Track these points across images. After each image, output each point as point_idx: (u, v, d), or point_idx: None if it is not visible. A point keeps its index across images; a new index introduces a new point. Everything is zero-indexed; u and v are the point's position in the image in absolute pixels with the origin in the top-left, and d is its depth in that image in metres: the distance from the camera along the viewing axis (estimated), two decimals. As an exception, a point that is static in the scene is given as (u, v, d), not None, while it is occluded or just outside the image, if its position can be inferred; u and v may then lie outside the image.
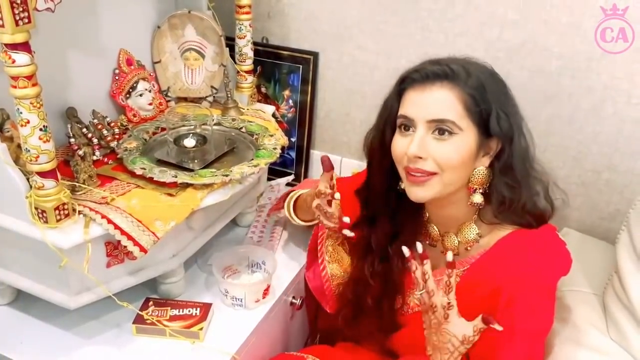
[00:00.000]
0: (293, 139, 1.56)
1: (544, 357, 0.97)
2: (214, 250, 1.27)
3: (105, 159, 1.13)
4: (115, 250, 1.00)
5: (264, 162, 1.13)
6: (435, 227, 1.04)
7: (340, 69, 1.46)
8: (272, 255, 1.20)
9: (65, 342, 1.04)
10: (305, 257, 1.26)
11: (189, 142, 1.15)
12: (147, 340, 1.04)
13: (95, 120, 1.17)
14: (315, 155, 1.58)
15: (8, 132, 0.99)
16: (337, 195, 1.04)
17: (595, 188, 1.27)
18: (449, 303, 0.87)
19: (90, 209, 0.95)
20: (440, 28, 1.30)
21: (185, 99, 1.39)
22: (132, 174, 1.07)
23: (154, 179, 1.04)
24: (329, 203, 1.07)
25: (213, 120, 1.25)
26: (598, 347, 0.98)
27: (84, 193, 1.00)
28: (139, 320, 1.05)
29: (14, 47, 0.79)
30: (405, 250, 0.91)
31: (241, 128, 1.26)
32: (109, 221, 0.94)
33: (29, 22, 0.79)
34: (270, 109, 1.41)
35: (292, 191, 1.27)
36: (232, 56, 1.37)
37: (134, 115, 1.26)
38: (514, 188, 0.95)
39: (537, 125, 1.00)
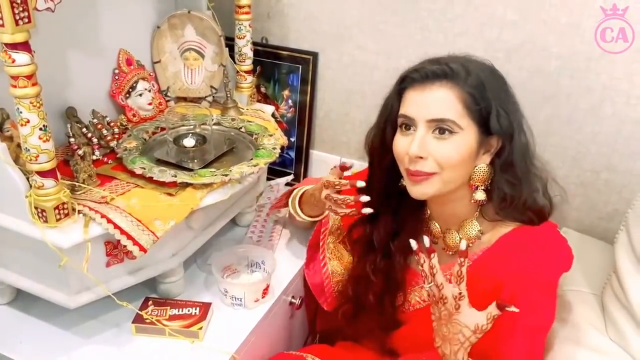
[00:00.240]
0: (292, 139, 1.56)
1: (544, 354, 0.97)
2: (213, 249, 1.27)
3: (105, 159, 1.13)
4: (114, 250, 1.00)
5: (264, 162, 1.13)
6: (436, 224, 1.05)
7: (340, 69, 1.46)
8: (271, 255, 1.21)
9: (64, 341, 1.04)
10: (304, 256, 1.27)
11: (189, 142, 1.15)
12: (146, 340, 1.04)
13: (95, 120, 1.17)
14: (315, 155, 1.58)
15: (8, 131, 0.99)
16: (360, 183, 1.00)
17: (594, 188, 1.27)
18: (460, 293, 0.86)
19: (90, 209, 0.95)
20: (439, 28, 1.30)
21: (184, 99, 1.39)
22: (132, 174, 1.07)
23: (154, 178, 1.04)
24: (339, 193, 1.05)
25: (212, 120, 1.26)
26: (597, 346, 0.98)
27: (84, 192, 1.00)
28: (138, 319, 1.05)
29: (14, 46, 0.79)
30: (413, 243, 0.89)
31: (241, 128, 1.26)
32: (109, 220, 0.94)
33: (29, 21, 0.79)
34: (269, 109, 1.41)
35: (295, 188, 1.27)
36: (232, 56, 1.37)
37: (134, 115, 1.26)
38: (514, 185, 0.95)
39: (536, 125, 1.00)
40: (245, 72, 1.38)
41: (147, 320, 1.04)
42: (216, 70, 1.36)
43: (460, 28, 1.28)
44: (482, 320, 0.85)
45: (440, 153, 0.92)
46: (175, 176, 1.04)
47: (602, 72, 1.18)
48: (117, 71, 1.23)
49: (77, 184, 1.00)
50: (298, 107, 1.53)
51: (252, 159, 1.13)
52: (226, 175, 1.06)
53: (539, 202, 0.99)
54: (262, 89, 1.56)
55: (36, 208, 0.91)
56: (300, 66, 1.49)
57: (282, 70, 1.52)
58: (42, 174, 0.89)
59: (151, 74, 1.32)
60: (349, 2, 1.38)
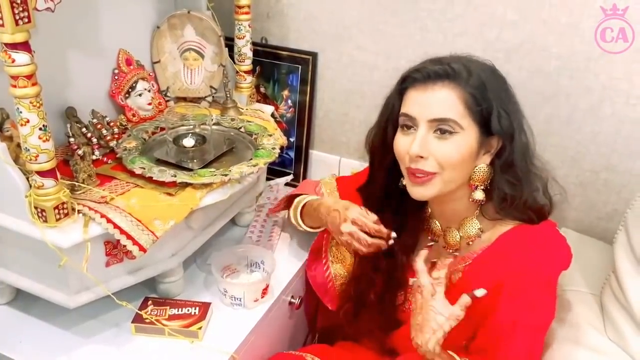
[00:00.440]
0: (292, 139, 1.56)
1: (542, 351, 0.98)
2: (213, 249, 1.27)
3: (105, 159, 1.14)
4: (114, 250, 1.00)
5: (263, 162, 1.13)
6: (437, 222, 1.05)
7: (340, 69, 1.46)
8: (270, 255, 1.21)
9: (64, 341, 1.04)
10: (304, 256, 1.27)
11: (188, 142, 1.15)
12: (146, 340, 1.05)
13: (95, 120, 1.17)
14: (314, 155, 1.58)
15: (8, 131, 0.99)
16: (394, 234, 1.02)
17: (594, 188, 1.27)
18: (436, 278, 0.89)
19: (90, 208, 0.95)
20: (439, 28, 1.30)
21: (184, 99, 1.39)
22: (132, 174, 1.07)
23: (153, 178, 1.04)
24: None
25: (212, 120, 1.26)
26: (596, 346, 0.98)
27: (84, 192, 1.00)
28: (138, 319, 1.05)
29: (14, 46, 0.79)
30: (394, 234, 0.94)
31: (240, 128, 1.26)
32: (108, 220, 0.94)
33: (29, 21, 0.79)
34: (269, 109, 1.41)
35: (294, 195, 1.26)
36: (232, 56, 1.37)
37: (133, 115, 1.26)
38: (515, 185, 0.96)
39: (535, 125, 1.00)
40: (245, 72, 1.38)
41: (147, 320, 1.04)
42: (216, 70, 1.36)
43: (460, 28, 1.28)
44: (456, 309, 0.88)
45: (441, 153, 0.92)
46: (175, 176, 1.04)
47: (602, 72, 1.18)
48: (116, 71, 1.24)
49: (76, 183, 1.00)
50: (297, 107, 1.53)
51: (251, 159, 1.13)
52: (226, 175, 1.06)
53: (539, 201, 0.99)
54: (262, 89, 1.56)
55: (36, 208, 0.91)
56: (300, 66, 1.49)
57: (282, 70, 1.52)
58: (42, 173, 0.89)
59: (151, 74, 1.32)
60: (349, 3, 1.38)
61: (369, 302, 1.08)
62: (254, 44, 1.38)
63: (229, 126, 1.27)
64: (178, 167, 1.10)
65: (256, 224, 1.38)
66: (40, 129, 0.85)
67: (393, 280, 1.07)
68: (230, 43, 1.36)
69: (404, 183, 1.01)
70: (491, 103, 0.93)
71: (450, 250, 1.03)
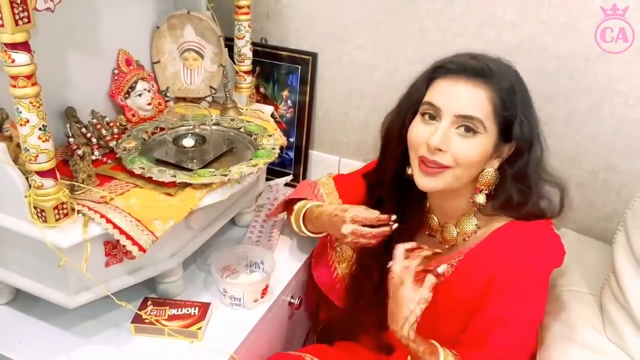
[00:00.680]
0: (292, 139, 1.56)
1: (535, 346, 0.98)
2: (212, 249, 1.27)
3: (104, 159, 1.14)
4: (114, 250, 1.00)
5: (263, 162, 1.13)
6: (435, 217, 1.05)
7: (339, 69, 1.46)
8: (270, 255, 1.21)
9: (63, 341, 1.04)
10: (303, 256, 1.27)
11: (188, 142, 1.15)
12: (145, 340, 1.05)
13: (94, 120, 1.17)
14: (314, 155, 1.58)
15: (7, 131, 0.99)
16: (394, 217, 1.01)
17: (593, 188, 1.27)
18: (406, 267, 0.90)
19: (89, 209, 0.95)
20: (439, 29, 1.30)
21: (184, 99, 1.39)
22: (131, 174, 1.07)
23: (153, 178, 1.04)
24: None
25: (212, 120, 1.26)
26: (595, 346, 0.98)
27: (83, 192, 1.00)
28: (137, 319, 1.05)
29: (14, 46, 0.79)
30: (394, 217, 0.96)
31: (240, 128, 1.26)
32: (108, 220, 0.94)
33: (29, 21, 0.79)
34: (269, 109, 1.41)
35: (294, 200, 1.26)
36: (231, 56, 1.37)
37: (133, 115, 1.26)
38: (524, 192, 0.96)
39: (535, 125, 1.01)
40: (245, 72, 1.38)
41: (146, 320, 1.04)
42: (215, 70, 1.36)
43: (459, 28, 1.28)
44: (425, 292, 0.89)
45: (461, 150, 0.92)
46: (175, 176, 1.04)
47: (601, 73, 1.18)
48: (116, 71, 1.24)
49: (76, 184, 1.00)
50: (297, 108, 1.53)
51: (251, 159, 1.13)
52: (225, 175, 1.06)
53: (542, 206, 0.99)
54: (262, 90, 1.56)
55: (35, 208, 0.91)
56: (300, 66, 1.49)
57: (282, 70, 1.52)
58: (42, 173, 0.89)
59: (150, 74, 1.32)
60: (349, 3, 1.38)
61: (367, 293, 1.08)
62: (253, 44, 1.39)
63: (229, 126, 1.27)
64: (178, 167, 1.10)
65: (256, 224, 1.38)
66: (39, 129, 0.85)
67: (389, 271, 1.07)
68: (230, 43, 1.37)
69: (409, 172, 1.00)
70: (516, 109, 0.93)
71: (447, 246, 1.03)
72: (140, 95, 1.26)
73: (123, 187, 1.04)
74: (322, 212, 1.13)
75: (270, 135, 1.23)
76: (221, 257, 1.18)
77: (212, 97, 1.39)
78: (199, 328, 1.04)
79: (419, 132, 0.95)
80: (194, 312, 1.07)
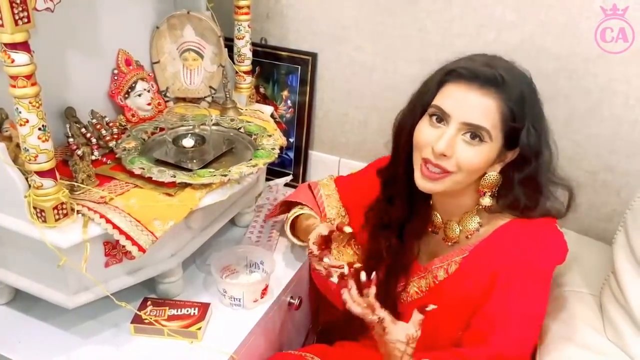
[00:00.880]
0: (291, 140, 1.56)
1: (537, 343, 0.98)
2: (212, 250, 1.27)
3: (104, 159, 1.13)
4: (113, 250, 1.00)
5: (263, 162, 1.13)
6: (438, 215, 1.05)
7: (339, 69, 1.46)
8: (270, 255, 1.21)
9: (63, 341, 1.04)
10: (303, 256, 1.27)
11: (188, 142, 1.15)
12: (145, 340, 1.05)
13: (94, 120, 1.17)
14: (314, 155, 1.58)
15: (7, 131, 0.99)
16: (347, 229, 1.05)
17: (592, 189, 1.27)
18: (379, 318, 0.91)
19: (89, 209, 0.95)
20: (438, 29, 1.30)
21: (183, 99, 1.39)
22: (131, 174, 1.07)
23: (153, 178, 1.04)
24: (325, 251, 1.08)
25: (212, 120, 1.26)
26: (595, 347, 0.98)
27: (83, 193, 1.00)
28: (137, 320, 1.05)
29: (14, 46, 0.79)
30: (363, 275, 0.94)
31: (240, 128, 1.26)
32: (108, 221, 0.94)
33: (29, 21, 0.79)
34: (268, 109, 1.41)
35: (291, 203, 1.26)
36: (231, 57, 1.37)
37: (133, 115, 1.26)
38: (532, 196, 0.96)
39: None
40: (244, 72, 1.38)
41: (146, 321, 1.04)
42: (215, 70, 1.36)
43: (459, 29, 1.28)
44: (411, 330, 0.90)
45: (465, 157, 0.92)
46: (174, 176, 1.04)
47: (600, 74, 1.18)
48: (116, 71, 1.24)
49: (76, 184, 1.00)
50: (297, 108, 1.53)
51: (251, 160, 1.13)
52: (225, 175, 1.06)
53: (547, 207, 0.99)
54: (261, 90, 1.56)
55: (35, 208, 0.91)
56: (299, 67, 1.49)
57: (281, 70, 1.52)
58: (41, 174, 0.89)
59: (150, 74, 1.32)
60: (348, 3, 1.38)
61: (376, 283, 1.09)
62: (253, 44, 1.38)
63: (229, 126, 1.27)
64: (177, 167, 1.10)
65: (255, 225, 1.38)
66: (39, 129, 0.85)
67: (397, 263, 1.08)
68: (229, 43, 1.36)
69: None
70: (524, 120, 0.92)
71: (449, 243, 1.03)
72: (139, 95, 1.26)
73: (123, 187, 1.04)
74: (308, 225, 1.15)
75: (270, 136, 1.23)
76: (221, 258, 1.18)
77: (212, 97, 1.39)
78: (199, 328, 1.04)
79: (425, 134, 0.95)
80: (194, 313, 1.07)
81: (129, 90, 1.25)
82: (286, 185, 1.55)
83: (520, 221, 0.97)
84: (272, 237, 1.33)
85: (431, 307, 0.89)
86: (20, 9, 0.77)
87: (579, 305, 1.07)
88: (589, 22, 1.15)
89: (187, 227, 1.11)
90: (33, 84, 0.83)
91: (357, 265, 0.98)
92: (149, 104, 1.28)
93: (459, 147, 0.92)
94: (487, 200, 0.97)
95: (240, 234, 1.36)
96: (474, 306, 0.95)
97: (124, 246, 0.94)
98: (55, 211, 0.91)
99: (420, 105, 0.98)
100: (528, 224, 0.96)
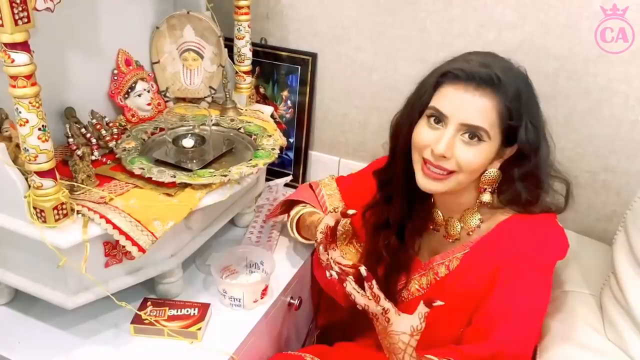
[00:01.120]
0: (291, 140, 1.56)
1: (539, 339, 0.98)
2: (212, 250, 1.27)
3: (104, 159, 1.13)
4: (113, 250, 1.00)
5: (263, 163, 1.13)
6: (439, 212, 1.05)
7: (339, 70, 1.46)
8: (270, 256, 1.21)
9: (63, 342, 1.04)
10: (303, 257, 1.27)
11: (188, 143, 1.15)
12: (145, 340, 1.04)
13: (94, 120, 1.17)
14: (314, 156, 1.58)
15: (7, 131, 0.99)
16: (351, 211, 1.05)
17: (592, 189, 1.27)
18: (384, 309, 0.90)
19: (89, 209, 0.95)
20: (438, 29, 1.30)
21: (183, 100, 1.39)
22: (131, 174, 1.07)
23: (153, 178, 1.04)
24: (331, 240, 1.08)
25: (211, 120, 1.26)
26: (595, 347, 0.98)
27: (83, 193, 1.00)
28: (137, 320, 1.05)
29: (13, 46, 0.79)
30: (363, 269, 0.94)
31: (240, 128, 1.26)
32: (108, 221, 0.94)
33: (28, 21, 0.79)
34: (268, 109, 1.41)
35: (292, 202, 1.26)
36: (231, 57, 1.37)
37: (133, 116, 1.26)
38: (532, 190, 0.96)
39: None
40: (244, 72, 1.38)
41: (146, 321, 1.04)
42: (215, 70, 1.36)
43: (459, 29, 1.28)
44: (416, 321, 0.89)
45: (465, 157, 0.92)
46: (174, 176, 1.04)
47: (600, 74, 1.18)
48: (116, 71, 1.23)
49: (76, 184, 1.00)
50: (297, 108, 1.53)
51: (251, 160, 1.13)
52: (225, 175, 1.06)
53: (547, 203, 0.99)
54: (261, 90, 1.56)
55: (35, 208, 0.91)
56: (299, 67, 1.49)
57: (281, 71, 1.52)
58: (41, 174, 0.89)
59: (150, 74, 1.32)
60: (348, 4, 1.38)
61: (376, 280, 1.09)
62: (253, 44, 1.38)
63: (229, 127, 1.27)
64: (177, 167, 1.10)
65: (255, 225, 1.38)
66: (39, 129, 0.85)
67: (398, 261, 1.08)
68: (229, 44, 1.36)
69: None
70: (522, 117, 0.92)
71: (451, 240, 1.04)
72: (139, 95, 1.26)
73: (123, 188, 1.04)
74: (312, 221, 1.15)
75: (270, 136, 1.23)
76: (221, 258, 1.18)
77: (212, 97, 1.39)
78: (199, 329, 1.04)
79: (423, 135, 0.95)
80: (194, 313, 1.07)
81: (129, 90, 1.25)
82: (286, 185, 1.55)
83: (521, 217, 0.97)
84: (272, 238, 1.33)
85: (438, 302, 0.87)
86: (20, 8, 0.77)
87: (579, 306, 1.07)
88: (589, 22, 1.16)
89: (187, 227, 1.11)
90: (33, 84, 0.83)
91: (363, 268, 0.97)
92: (148, 104, 1.28)
93: (458, 147, 0.92)
94: (487, 197, 0.98)
95: (240, 234, 1.36)
96: (475, 302, 0.95)
97: (124, 246, 0.94)
98: (55, 211, 0.91)
99: (417, 106, 0.98)
100: (529, 219, 0.96)
